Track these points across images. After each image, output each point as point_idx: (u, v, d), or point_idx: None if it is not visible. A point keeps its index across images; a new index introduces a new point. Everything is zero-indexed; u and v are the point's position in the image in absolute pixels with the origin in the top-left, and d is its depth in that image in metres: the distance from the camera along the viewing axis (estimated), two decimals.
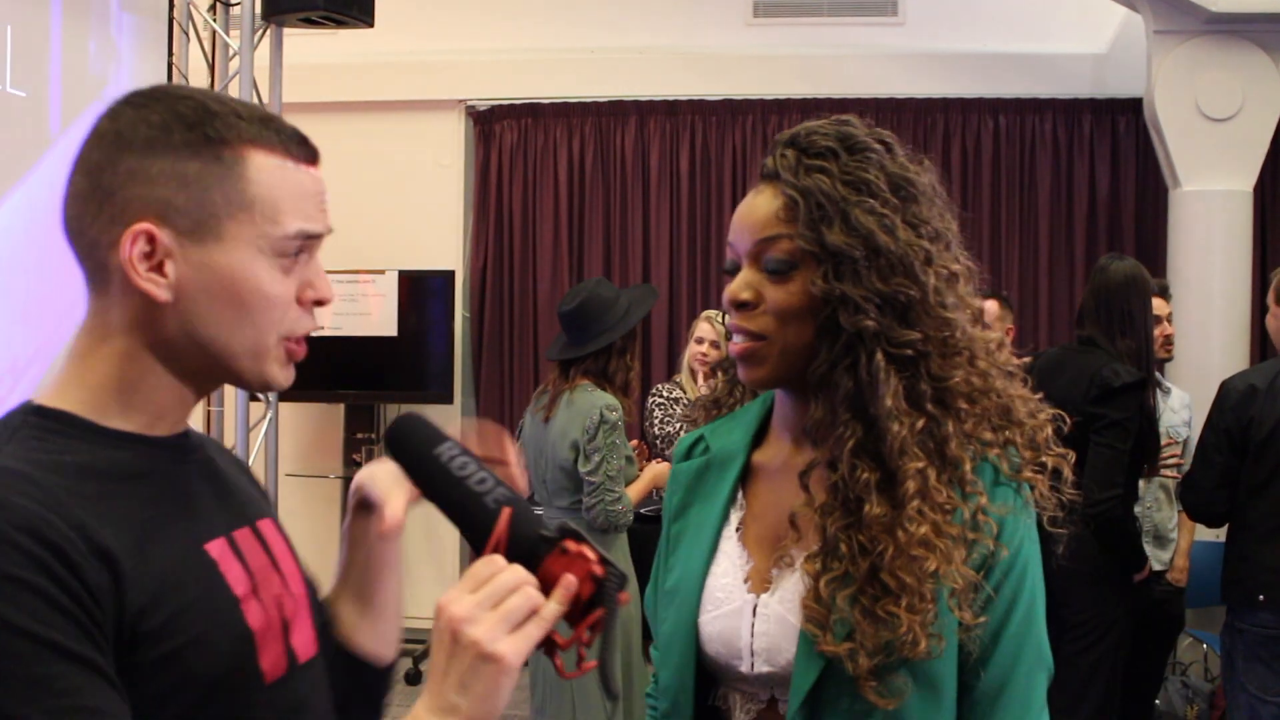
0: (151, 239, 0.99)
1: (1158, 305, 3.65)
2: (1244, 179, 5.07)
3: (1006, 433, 1.20)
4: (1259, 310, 5.09)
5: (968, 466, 1.17)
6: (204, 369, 1.04)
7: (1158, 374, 3.69)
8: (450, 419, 6.14)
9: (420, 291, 6.00)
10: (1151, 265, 4.28)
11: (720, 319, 4.57)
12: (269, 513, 1.17)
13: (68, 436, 0.99)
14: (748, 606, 1.25)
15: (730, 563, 1.28)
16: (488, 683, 0.92)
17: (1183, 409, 4.12)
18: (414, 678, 5.56)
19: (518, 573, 0.95)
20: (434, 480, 1.02)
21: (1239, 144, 5.03)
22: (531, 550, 0.98)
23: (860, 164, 1.19)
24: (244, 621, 1.03)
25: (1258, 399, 3.14)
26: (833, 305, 1.17)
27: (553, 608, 0.95)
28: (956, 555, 1.14)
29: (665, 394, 4.53)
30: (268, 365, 1.04)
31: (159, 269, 0.99)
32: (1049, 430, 1.23)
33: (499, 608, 0.94)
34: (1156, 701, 4.23)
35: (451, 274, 6.02)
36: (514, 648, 0.93)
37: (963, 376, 1.18)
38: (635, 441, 4.05)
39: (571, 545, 0.97)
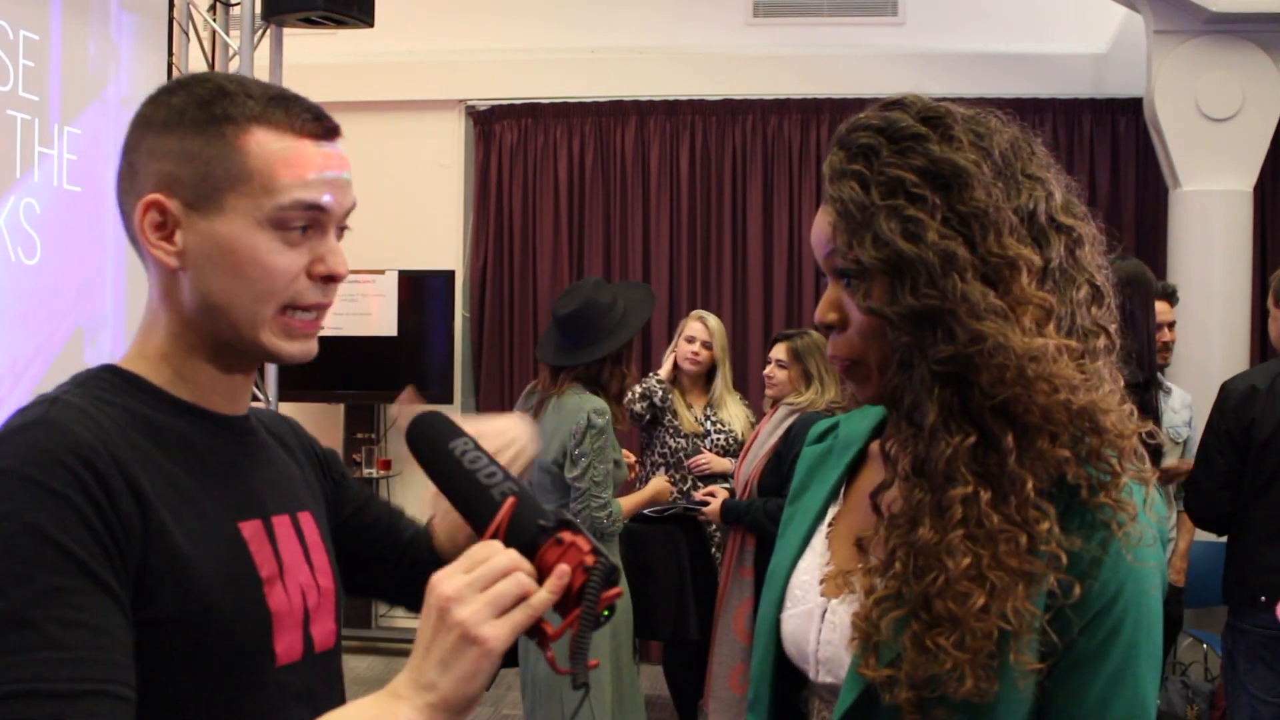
0: (162, 209, 1.05)
1: (1161, 310, 3.64)
2: (1244, 179, 5.07)
3: (1087, 441, 1.05)
4: (1259, 310, 5.09)
5: (1030, 486, 1.03)
6: (223, 336, 1.08)
7: (1158, 374, 3.68)
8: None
9: (420, 291, 6.00)
10: (1152, 265, 4.27)
11: (710, 319, 4.58)
12: (313, 506, 1.20)
13: (132, 396, 1.05)
14: (818, 610, 1.19)
15: (814, 559, 1.23)
16: (468, 665, 0.92)
17: (1183, 409, 4.12)
18: None
19: (512, 556, 0.96)
20: (446, 473, 1.05)
21: (1239, 144, 5.03)
22: (531, 540, 0.99)
23: (896, 159, 1.08)
24: (264, 603, 1.06)
25: (1258, 400, 3.15)
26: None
27: (543, 596, 0.95)
28: (1016, 590, 1.02)
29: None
30: (268, 335, 1.07)
31: (169, 238, 1.06)
32: (1134, 443, 1.07)
33: (489, 590, 0.94)
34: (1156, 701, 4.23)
35: (451, 274, 6.02)
36: (498, 632, 0.93)
37: (1019, 391, 1.03)
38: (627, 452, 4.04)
39: (567, 535, 0.98)
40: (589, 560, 0.97)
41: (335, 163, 1.10)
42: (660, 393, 4.46)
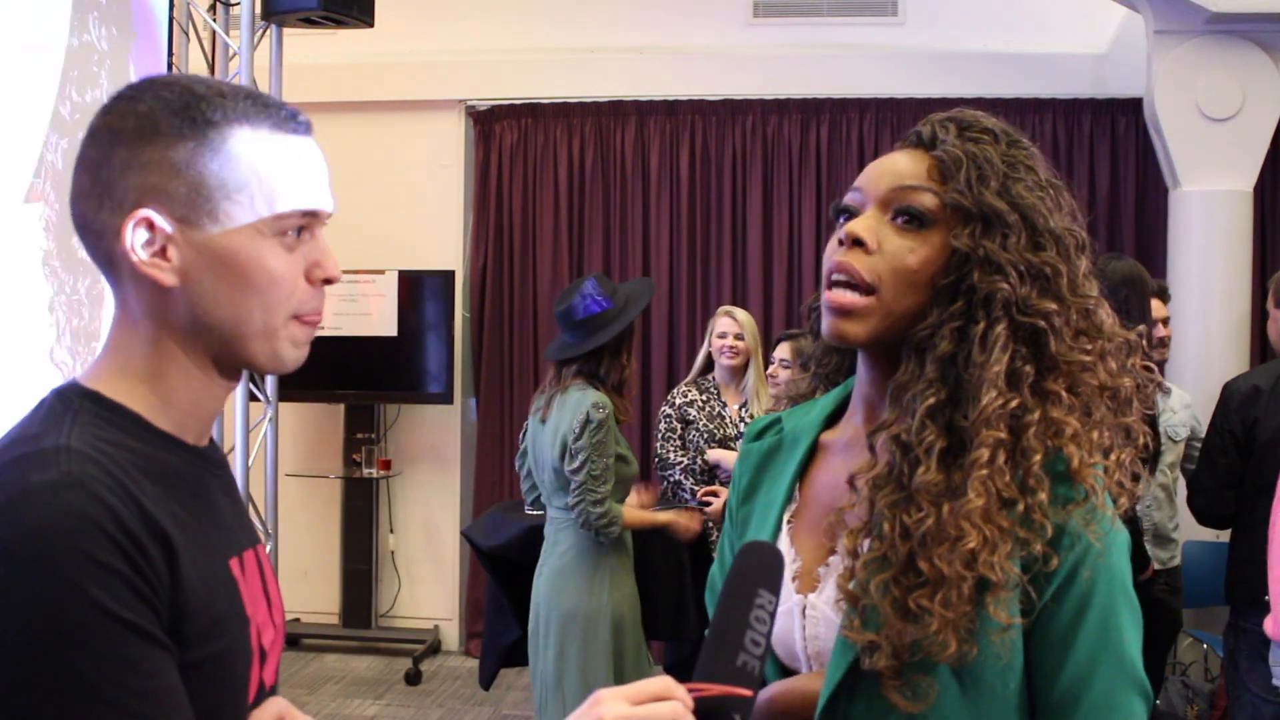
0: (150, 226, 1.00)
1: (1155, 308, 3.65)
2: (1244, 179, 5.07)
3: (1094, 433, 1.13)
4: (1259, 310, 5.09)
5: (1037, 459, 1.10)
6: (219, 353, 1.04)
7: (1157, 374, 3.68)
8: (450, 419, 6.15)
9: (420, 291, 6.00)
10: (1151, 265, 4.28)
11: (734, 313, 4.57)
12: (259, 540, 1.18)
13: (123, 430, 1.00)
14: (797, 608, 1.21)
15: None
16: None
17: (1182, 409, 4.12)
18: (413, 678, 5.49)
19: (677, 711, 0.94)
20: (730, 608, 1.02)
21: (1239, 144, 5.03)
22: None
23: (1021, 152, 1.20)
24: (250, 642, 1.05)
25: (1261, 400, 3.15)
26: (970, 264, 1.13)
27: None
28: (1002, 546, 1.07)
29: (676, 400, 4.53)
30: (279, 344, 1.05)
31: (162, 254, 1.00)
32: (1134, 451, 1.16)
33: None
34: (1156, 701, 4.23)
35: (451, 274, 6.02)
36: None
37: (1089, 361, 1.13)
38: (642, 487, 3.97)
39: None
40: None
41: (319, 158, 1.07)
42: (678, 402, 4.47)
